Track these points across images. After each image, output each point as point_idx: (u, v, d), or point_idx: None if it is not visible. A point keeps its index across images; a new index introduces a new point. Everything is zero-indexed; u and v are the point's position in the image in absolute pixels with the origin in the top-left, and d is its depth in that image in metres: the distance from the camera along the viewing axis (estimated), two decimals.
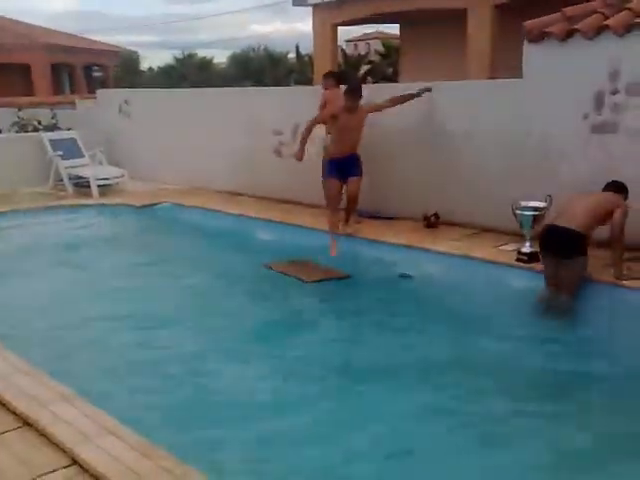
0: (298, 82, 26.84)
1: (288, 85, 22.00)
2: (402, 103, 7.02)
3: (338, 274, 6.30)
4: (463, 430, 3.60)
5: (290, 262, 6.65)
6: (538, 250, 5.40)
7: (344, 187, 7.15)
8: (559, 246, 5.07)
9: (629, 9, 5.89)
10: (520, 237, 5.93)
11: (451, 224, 7.14)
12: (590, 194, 5.37)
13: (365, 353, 4.67)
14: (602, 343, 4.83)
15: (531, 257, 5.70)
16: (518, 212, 5.79)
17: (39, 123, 11.56)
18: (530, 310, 5.23)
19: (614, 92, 5.88)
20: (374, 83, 23.04)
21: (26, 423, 3.22)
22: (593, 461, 3.31)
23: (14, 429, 3.18)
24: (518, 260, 5.77)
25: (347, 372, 4.43)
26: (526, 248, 5.76)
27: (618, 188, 5.37)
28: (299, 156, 7.09)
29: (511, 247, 6.14)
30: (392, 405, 3.82)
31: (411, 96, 7.03)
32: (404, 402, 3.87)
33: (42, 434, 3.11)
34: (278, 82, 27.24)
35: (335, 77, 8.04)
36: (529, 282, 5.46)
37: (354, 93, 6.90)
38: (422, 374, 4.26)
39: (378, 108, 7.09)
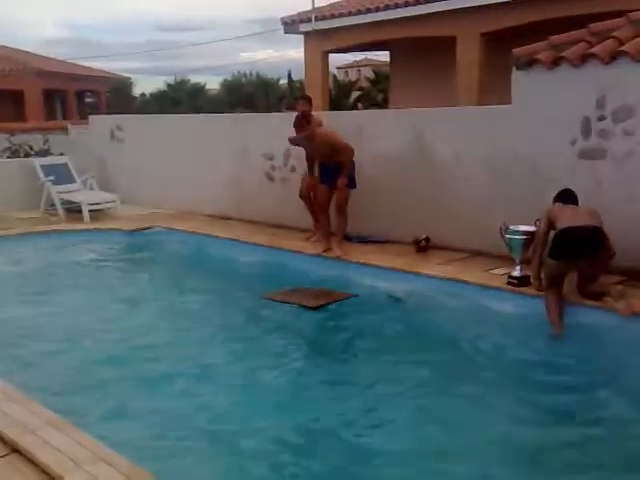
0: (289, 108, 27.06)
1: (280, 111, 22.15)
2: None
3: (342, 295, 6.27)
4: None
5: (291, 291, 6.50)
6: (555, 258, 5.25)
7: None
8: (588, 244, 5.11)
9: (614, 38, 6.02)
10: (510, 261, 5.97)
11: (442, 248, 7.17)
12: (578, 207, 5.48)
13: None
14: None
15: (521, 281, 5.74)
16: (508, 236, 5.83)
17: (31, 148, 11.61)
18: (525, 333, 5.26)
19: (601, 118, 5.98)
20: (365, 109, 23.27)
21: (14, 450, 3.18)
22: None
23: (2, 456, 3.14)
24: (509, 284, 5.80)
25: None
26: (516, 272, 5.80)
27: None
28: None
29: (501, 271, 6.18)
30: None
31: None
32: None
33: (31, 461, 3.07)
34: (270, 108, 27.44)
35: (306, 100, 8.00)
36: (518, 305, 5.51)
37: (296, 125, 7.29)
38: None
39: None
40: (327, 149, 7.22)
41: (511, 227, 5.82)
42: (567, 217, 5.27)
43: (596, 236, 5.11)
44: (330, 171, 7.29)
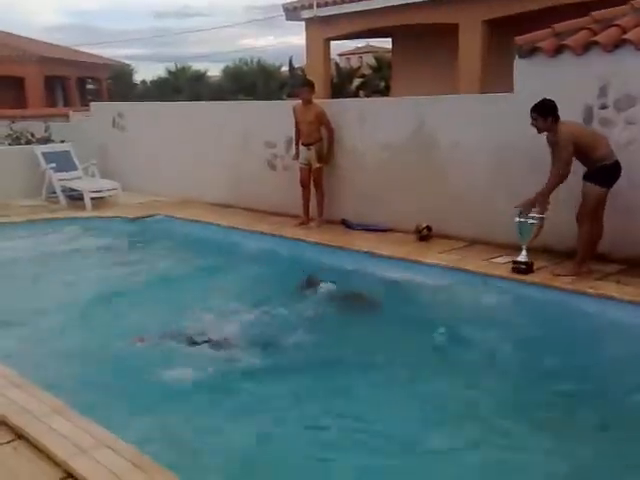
0: (291, 95, 26.98)
1: (281, 98, 22.06)
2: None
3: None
4: None
5: None
6: None
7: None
8: None
9: (617, 26, 5.99)
10: (510, 249, 5.96)
11: (444, 236, 7.18)
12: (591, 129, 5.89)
13: None
14: None
15: (529, 267, 5.76)
16: (521, 220, 5.80)
17: (32, 135, 11.58)
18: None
19: (603, 107, 5.96)
20: (366, 97, 23.18)
21: (19, 436, 3.22)
22: None
23: (7, 442, 3.18)
24: (515, 270, 5.79)
25: None
26: (522, 257, 5.80)
27: None
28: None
29: (503, 260, 6.20)
30: None
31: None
32: None
33: (36, 447, 3.11)
34: (271, 95, 27.31)
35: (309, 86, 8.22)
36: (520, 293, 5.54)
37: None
38: None
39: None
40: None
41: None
42: (604, 145, 5.57)
43: None
44: None
